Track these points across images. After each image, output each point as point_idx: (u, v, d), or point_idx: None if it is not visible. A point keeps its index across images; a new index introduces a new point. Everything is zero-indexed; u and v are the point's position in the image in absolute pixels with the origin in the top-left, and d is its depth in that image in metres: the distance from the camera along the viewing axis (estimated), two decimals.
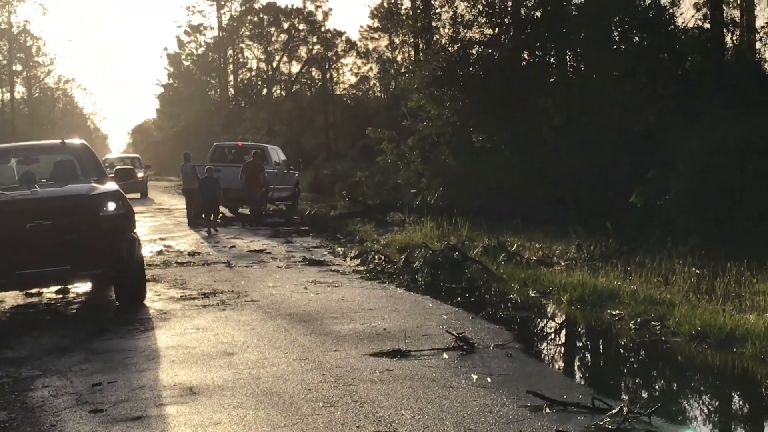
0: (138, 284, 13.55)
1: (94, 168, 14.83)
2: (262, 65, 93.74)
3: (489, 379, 8.76)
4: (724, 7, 30.55)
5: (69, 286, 14.93)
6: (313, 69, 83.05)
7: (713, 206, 18.37)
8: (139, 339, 11.08)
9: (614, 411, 7.45)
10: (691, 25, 30.17)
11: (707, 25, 29.33)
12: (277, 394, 8.19)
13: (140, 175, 45.96)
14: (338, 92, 77.54)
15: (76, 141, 16.22)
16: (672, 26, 28.86)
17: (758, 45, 31.04)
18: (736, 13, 32.87)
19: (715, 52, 27.62)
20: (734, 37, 30.66)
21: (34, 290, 14.60)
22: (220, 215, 29.41)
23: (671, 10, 29.18)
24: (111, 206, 12.69)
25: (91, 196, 12.73)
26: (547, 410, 7.66)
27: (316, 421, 7.35)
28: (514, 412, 7.64)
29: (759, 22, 31.92)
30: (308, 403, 7.88)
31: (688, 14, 35.70)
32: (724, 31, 29.39)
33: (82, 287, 15.23)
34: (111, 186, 13.57)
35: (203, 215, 27.77)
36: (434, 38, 36.79)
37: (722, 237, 17.16)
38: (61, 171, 14.66)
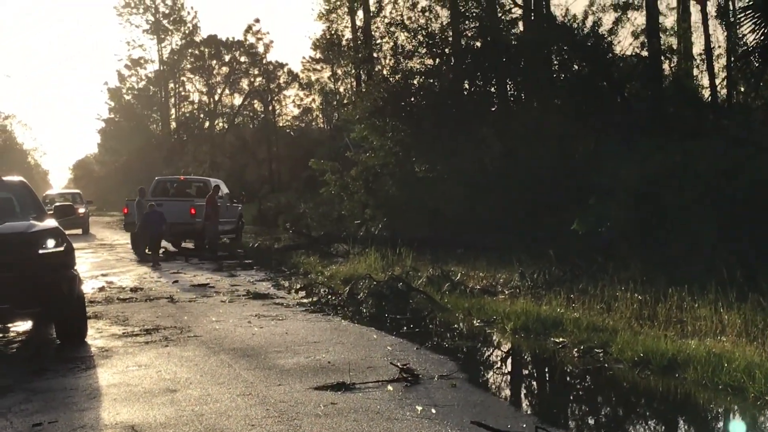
0: (79, 322, 13.38)
1: (32, 205, 14.66)
2: (204, 98, 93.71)
3: (433, 410, 8.76)
4: (662, 35, 31.09)
5: (9, 325, 14.72)
6: (256, 101, 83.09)
7: (653, 232, 18.58)
8: (81, 377, 10.93)
9: None
10: (630, 53, 30.63)
11: (645, 53, 29.78)
12: (220, 431, 8.12)
13: (81, 210, 45.53)
14: (281, 124, 77.53)
15: (14, 178, 16.02)
16: (610, 54, 29.26)
17: (695, 72, 31.56)
18: (674, 41, 33.44)
19: (653, 79, 28.04)
20: (672, 65, 31.16)
21: None
22: (163, 249, 29.33)
23: (609, 39, 29.60)
24: (50, 243, 12.54)
25: (29, 234, 12.57)
26: None
27: None
28: None
29: (696, 49, 32.49)
30: None
31: (626, 42, 36.35)
32: (662, 58, 29.87)
33: (23, 326, 15.00)
34: (50, 223, 13.42)
35: (147, 250, 27.89)
36: (376, 69, 37.01)
37: (663, 262, 17.35)
38: None
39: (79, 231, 45.35)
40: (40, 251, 12.37)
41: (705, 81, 31.44)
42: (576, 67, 29.95)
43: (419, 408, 8.84)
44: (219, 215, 29.92)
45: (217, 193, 30.38)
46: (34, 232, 12.66)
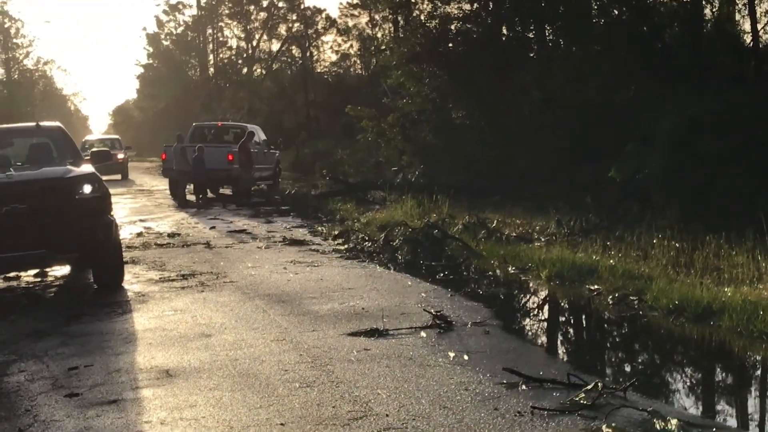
0: (116, 267, 13.51)
1: (69, 150, 14.75)
2: (242, 44, 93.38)
3: (466, 357, 8.77)
4: None
5: (47, 270, 14.90)
6: (294, 47, 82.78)
7: (691, 180, 18.39)
8: (117, 322, 11.06)
9: (589, 387, 7.46)
10: None
11: None
12: (253, 376, 8.19)
13: (120, 156, 45.86)
14: (319, 70, 77.19)
15: (51, 123, 16.14)
16: None
17: (737, 16, 31.01)
18: None
19: (693, 24, 27.61)
20: (713, 9, 30.64)
21: (11, 274, 14.55)
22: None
23: None
24: (87, 189, 12.63)
25: (66, 179, 12.67)
26: (523, 387, 7.67)
27: (292, 402, 7.35)
28: (490, 389, 7.66)
29: None
30: (284, 384, 7.88)
31: None
32: (703, 2, 29.37)
33: (60, 270, 15.19)
34: (87, 168, 13.50)
35: (199, 195, 28.43)
36: (413, 14, 36.69)
37: (701, 210, 17.20)
38: (37, 154, 14.57)
39: (118, 176, 45.67)
40: (77, 197, 12.48)
41: (747, 26, 30.90)
42: (615, 12, 29.56)
43: (452, 354, 8.86)
44: (253, 161, 29.96)
45: (250, 139, 30.38)
46: (70, 177, 12.76)
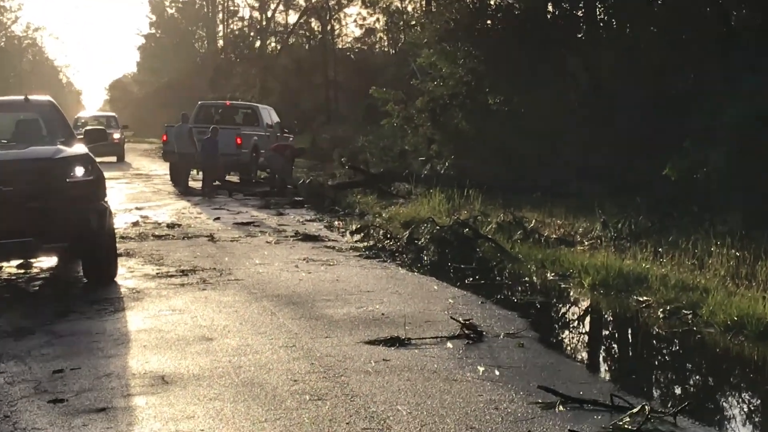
0: (108, 259, 13.53)
1: (61, 128, 14.78)
2: (256, 14, 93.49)
3: (497, 372, 8.77)
4: None
5: (32, 261, 14.94)
6: (313, 20, 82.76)
7: (757, 181, 18.30)
8: (108, 321, 11.10)
9: (635, 410, 7.45)
10: None
11: None
12: (259, 386, 8.21)
13: (117, 136, 45.99)
14: (340, 46, 77.22)
15: (42, 98, 16.17)
16: None
17: None
18: None
19: (762, 7, 27.46)
20: None
21: None
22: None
23: None
24: (79, 171, 12.66)
25: (56, 160, 12.69)
26: (561, 408, 7.66)
27: (301, 417, 7.37)
28: (524, 409, 7.65)
29: None
30: (293, 396, 7.90)
31: None
32: None
33: (47, 262, 15.23)
34: (80, 149, 13.53)
35: (211, 182, 28.63)
36: None
37: (766, 216, 17.12)
38: (24, 131, 14.62)
39: (113, 158, 45.78)
40: (68, 180, 12.51)
41: None
42: None
43: (481, 369, 8.86)
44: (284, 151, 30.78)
45: (300, 153, 32.22)
46: (61, 158, 12.78)
